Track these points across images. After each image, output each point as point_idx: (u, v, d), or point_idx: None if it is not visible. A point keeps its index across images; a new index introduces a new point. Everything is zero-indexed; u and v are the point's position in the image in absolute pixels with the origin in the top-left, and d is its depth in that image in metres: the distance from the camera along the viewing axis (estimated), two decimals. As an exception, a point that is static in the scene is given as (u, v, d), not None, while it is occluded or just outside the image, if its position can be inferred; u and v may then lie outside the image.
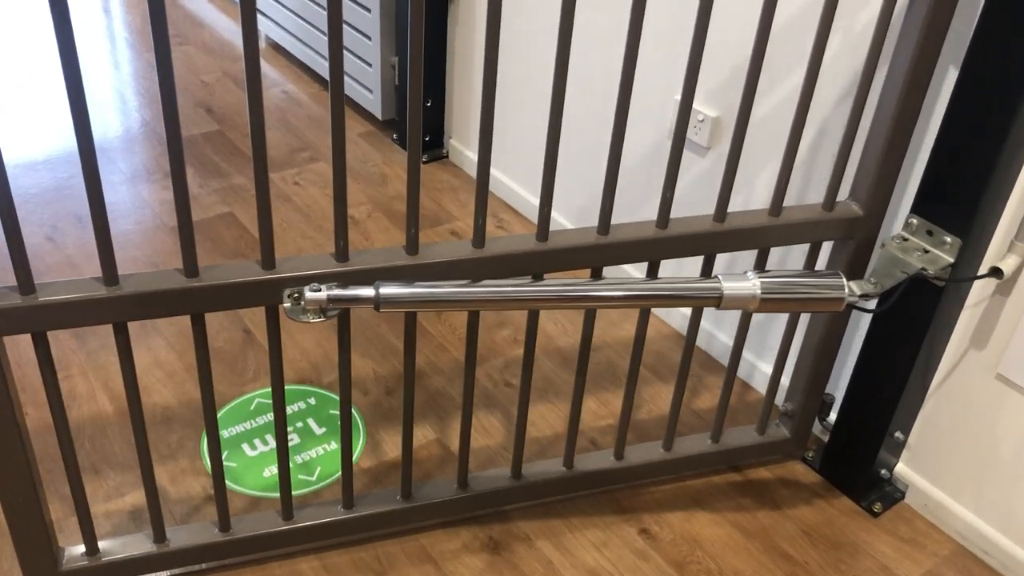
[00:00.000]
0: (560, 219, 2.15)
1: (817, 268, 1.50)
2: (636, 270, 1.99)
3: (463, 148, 2.44)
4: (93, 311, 1.16)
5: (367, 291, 1.16)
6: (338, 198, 1.19)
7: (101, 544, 1.38)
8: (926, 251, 1.33)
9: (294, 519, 1.44)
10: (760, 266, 1.44)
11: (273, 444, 1.63)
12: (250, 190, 2.29)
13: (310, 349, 1.84)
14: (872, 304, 1.33)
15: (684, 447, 1.63)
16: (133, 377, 1.23)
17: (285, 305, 1.16)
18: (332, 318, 1.17)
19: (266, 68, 2.88)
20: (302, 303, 1.14)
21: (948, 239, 1.30)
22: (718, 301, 1.24)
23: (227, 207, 2.24)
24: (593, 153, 2.02)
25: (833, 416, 1.66)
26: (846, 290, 1.27)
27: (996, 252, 1.34)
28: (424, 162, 2.49)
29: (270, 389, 1.72)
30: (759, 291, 1.24)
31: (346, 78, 2.58)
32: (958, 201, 1.29)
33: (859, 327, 1.60)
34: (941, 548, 1.54)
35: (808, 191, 1.61)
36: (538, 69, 2.07)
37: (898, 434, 1.56)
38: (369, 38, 2.44)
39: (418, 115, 1.19)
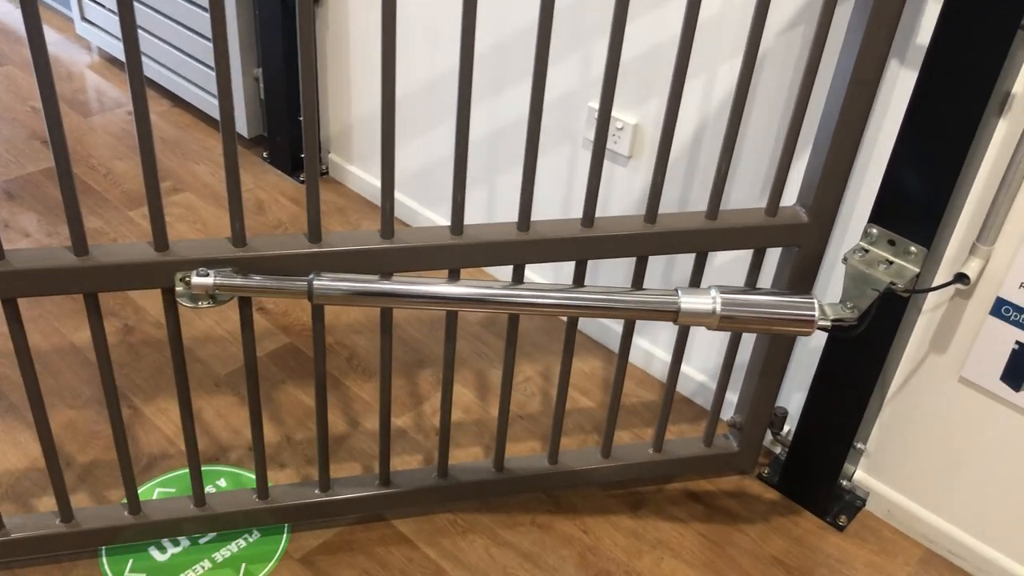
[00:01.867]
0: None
1: (761, 275, 1.43)
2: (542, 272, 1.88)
3: (344, 163, 2.26)
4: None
5: (298, 283, 1.16)
6: (231, 177, 1.15)
7: (7, 521, 1.36)
8: (890, 262, 1.27)
9: (207, 506, 1.42)
10: (698, 272, 1.38)
11: (187, 542, 1.43)
12: (109, 234, 2.05)
13: (210, 422, 1.64)
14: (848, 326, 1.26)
15: (624, 455, 1.58)
16: (26, 350, 1.21)
17: (177, 289, 1.15)
18: (223, 304, 1.17)
19: (103, 85, 2.60)
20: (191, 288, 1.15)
21: (913, 249, 1.25)
22: (675, 316, 1.20)
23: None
24: (491, 159, 1.88)
25: (786, 429, 1.60)
26: (816, 313, 1.20)
27: (956, 256, 1.30)
28: (301, 182, 2.29)
29: (172, 474, 1.53)
30: (719, 308, 1.19)
31: (203, 93, 2.36)
32: (922, 209, 1.24)
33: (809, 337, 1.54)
34: (911, 555, 1.52)
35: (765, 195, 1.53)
36: (420, 68, 1.91)
37: (859, 444, 1.52)
38: (226, 49, 2.21)
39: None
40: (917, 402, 1.45)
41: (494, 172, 1.90)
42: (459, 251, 1.25)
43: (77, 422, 1.62)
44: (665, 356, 1.80)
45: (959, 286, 1.28)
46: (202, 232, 2.08)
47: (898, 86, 1.28)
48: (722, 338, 1.61)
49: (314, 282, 1.15)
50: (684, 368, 1.76)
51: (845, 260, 1.28)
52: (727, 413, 1.65)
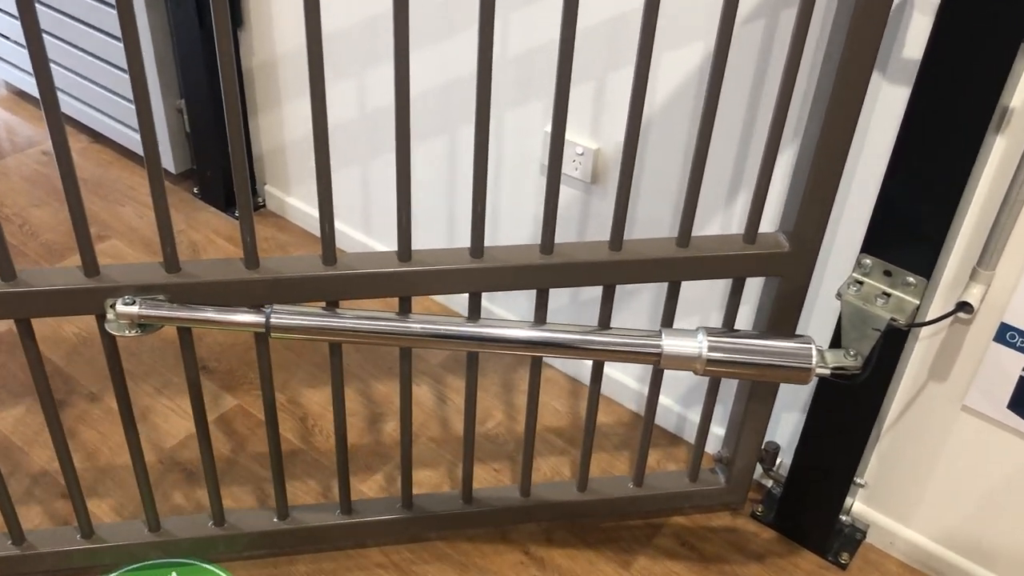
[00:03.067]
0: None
1: (743, 304, 1.34)
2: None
3: (283, 195, 2.12)
4: None
5: (254, 317, 1.11)
6: (158, 203, 1.11)
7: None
8: (887, 294, 1.17)
9: (161, 531, 1.40)
10: (671, 301, 1.29)
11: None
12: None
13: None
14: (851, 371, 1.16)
15: (602, 488, 1.50)
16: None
17: (108, 316, 1.12)
18: (151, 333, 1.14)
19: (13, 122, 2.43)
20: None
21: (912, 279, 1.16)
22: (657, 359, 1.13)
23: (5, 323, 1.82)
24: (435, 190, 1.76)
25: (779, 464, 1.51)
26: (814, 360, 1.11)
27: (954, 281, 1.21)
28: (237, 217, 2.13)
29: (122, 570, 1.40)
30: (705, 352, 1.12)
31: (124, 129, 2.20)
32: (920, 236, 1.14)
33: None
34: None
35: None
36: (352, 89, 1.79)
37: (857, 478, 1.43)
38: (144, 81, 2.05)
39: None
40: (917, 431, 1.37)
41: (451, 197, 1.78)
42: (407, 278, 1.19)
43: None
44: (619, 376, 1.72)
45: (961, 315, 1.19)
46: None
47: (881, 102, 1.18)
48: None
49: (272, 318, 1.10)
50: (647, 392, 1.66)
51: (839, 296, 1.18)
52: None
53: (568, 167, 1.51)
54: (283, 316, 1.11)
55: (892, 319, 1.14)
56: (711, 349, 1.12)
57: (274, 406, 1.29)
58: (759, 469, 1.54)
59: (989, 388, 1.26)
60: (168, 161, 2.17)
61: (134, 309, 1.10)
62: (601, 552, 1.47)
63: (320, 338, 1.15)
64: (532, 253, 1.22)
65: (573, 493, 1.49)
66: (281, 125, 2.01)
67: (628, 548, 1.48)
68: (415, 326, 1.14)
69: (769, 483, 1.57)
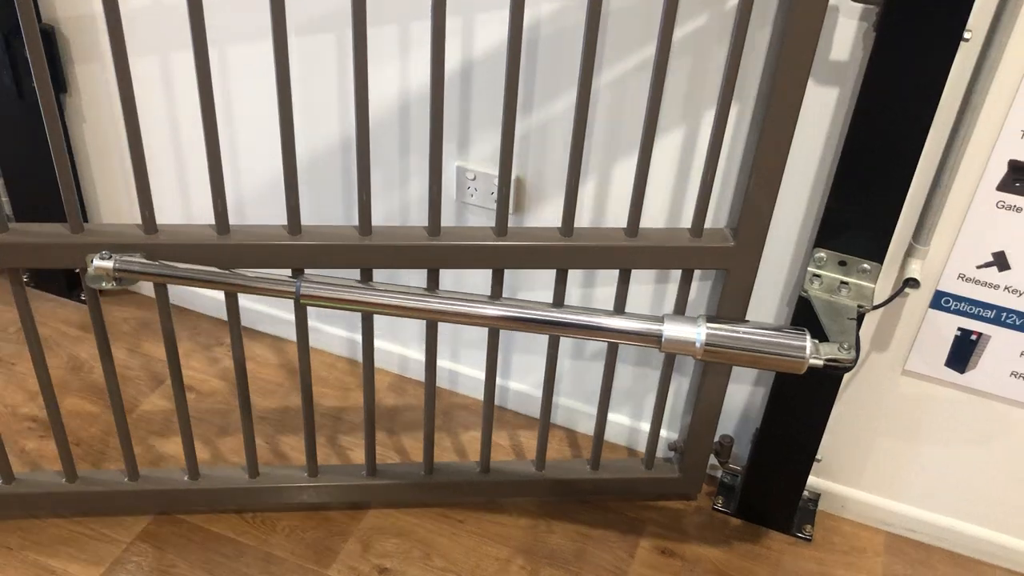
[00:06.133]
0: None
1: (690, 295, 1.42)
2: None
3: (138, 268, 1.93)
4: None
5: (287, 286, 1.22)
6: (136, 162, 1.19)
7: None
8: (844, 283, 1.26)
9: (140, 480, 1.50)
10: (623, 288, 1.37)
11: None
12: None
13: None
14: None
15: (558, 470, 1.60)
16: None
17: (88, 270, 1.24)
18: (125, 287, 1.28)
19: None
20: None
21: (867, 266, 1.27)
22: (658, 343, 1.20)
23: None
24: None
25: (733, 458, 1.57)
26: (808, 351, 1.16)
27: (890, 257, 1.32)
28: (82, 301, 1.95)
29: None
30: (703, 339, 1.19)
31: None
32: (872, 226, 1.25)
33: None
34: (876, 544, 1.59)
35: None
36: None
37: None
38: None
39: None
40: (861, 400, 1.50)
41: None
42: (368, 251, 1.30)
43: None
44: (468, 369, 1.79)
45: (907, 290, 1.28)
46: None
47: (813, 104, 1.26)
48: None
49: (302, 290, 1.20)
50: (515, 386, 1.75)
51: (805, 292, 1.26)
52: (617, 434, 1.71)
53: (483, 201, 1.53)
54: (313, 287, 1.20)
55: (860, 306, 1.23)
56: (710, 336, 1.18)
57: (243, 365, 1.38)
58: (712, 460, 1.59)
59: (928, 350, 1.38)
60: (-12, 251, 1.92)
61: (109, 264, 1.22)
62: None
63: (348, 307, 1.24)
64: (487, 234, 1.31)
65: (531, 472, 1.57)
66: (128, 193, 1.84)
67: (615, 566, 1.50)
68: (454, 306, 1.21)
69: (719, 473, 1.62)
